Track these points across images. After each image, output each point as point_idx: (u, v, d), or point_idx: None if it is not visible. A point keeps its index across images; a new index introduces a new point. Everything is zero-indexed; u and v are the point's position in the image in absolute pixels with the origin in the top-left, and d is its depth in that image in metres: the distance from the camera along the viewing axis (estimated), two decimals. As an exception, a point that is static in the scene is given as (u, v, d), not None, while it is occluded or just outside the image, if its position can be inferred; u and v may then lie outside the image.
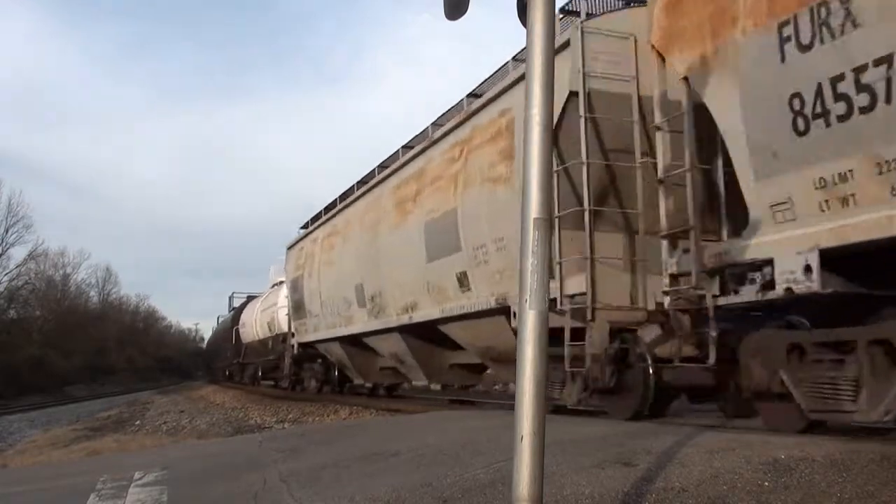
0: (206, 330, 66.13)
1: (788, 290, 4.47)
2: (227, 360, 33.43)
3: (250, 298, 30.62)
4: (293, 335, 17.20)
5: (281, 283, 23.18)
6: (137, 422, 16.51)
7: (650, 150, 6.09)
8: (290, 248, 17.36)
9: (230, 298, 38.68)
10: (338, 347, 14.24)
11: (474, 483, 3.58)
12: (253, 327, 25.82)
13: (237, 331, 28.85)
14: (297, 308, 16.27)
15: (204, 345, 63.59)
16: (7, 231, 43.78)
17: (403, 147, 11.17)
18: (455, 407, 11.17)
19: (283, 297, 20.07)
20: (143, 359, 66.60)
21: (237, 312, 30.65)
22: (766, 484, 3.12)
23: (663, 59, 5.51)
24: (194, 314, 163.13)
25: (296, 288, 16.31)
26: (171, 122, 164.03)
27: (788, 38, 4.30)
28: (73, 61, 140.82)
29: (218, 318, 45.12)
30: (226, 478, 4.90)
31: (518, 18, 2.31)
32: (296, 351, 17.21)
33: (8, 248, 43.93)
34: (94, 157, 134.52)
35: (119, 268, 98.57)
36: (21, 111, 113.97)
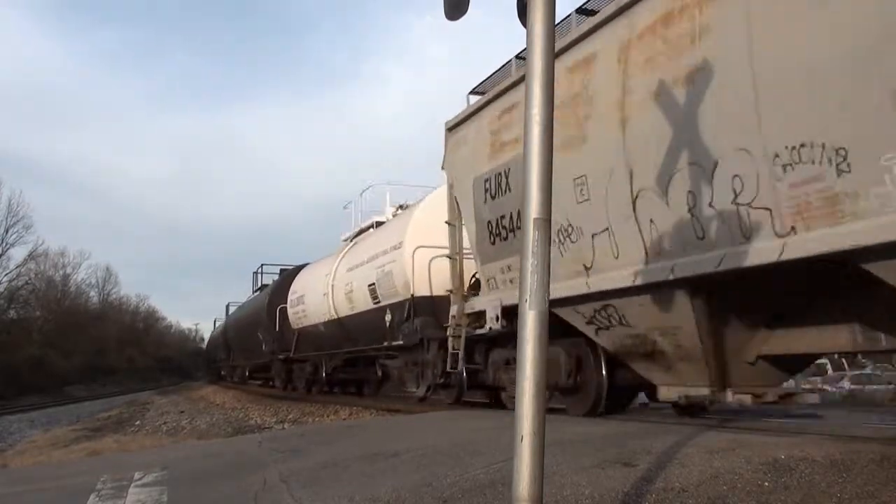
0: (207, 330, 65.44)
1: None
2: (256, 355, 23.86)
3: (283, 272, 22.64)
4: (468, 295, 8.77)
5: (378, 224, 15.77)
6: (137, 422, 16.49)
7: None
8: (454, 126, 8.68)
9: (256, 274, 29.31)
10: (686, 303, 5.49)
11: (474, 483, 3.58)
12: (326, 300, 15.51)
13: (282, 312, 19.37)
14: (497, 230, 7.72)
15: (205, 344, 62.54)
16: (7, 231, 43.92)
17: None
18: (455, 407, 11.17)
19: (413, 233, 11.30)
20: (143, 359, 66.65)
21: (280, 286, 20.87)
22: (766, 484, 3.12)
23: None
24: (194, 314, 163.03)
25: (495, 191, 7.76)
26: (172, 122, 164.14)
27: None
28: (74, 61, 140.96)
29: (228, 307, 36.62)
30: (226, 478, 4.90)
31: (518, 18, 2.31)
32: (494, 322, 7.91)
33: (8, 249, 44.09)
34: (94, 157, 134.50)
35: (119, 268, 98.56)
36: (21, 111, 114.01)
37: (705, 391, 5.73)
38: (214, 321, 45.93)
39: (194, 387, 41.27)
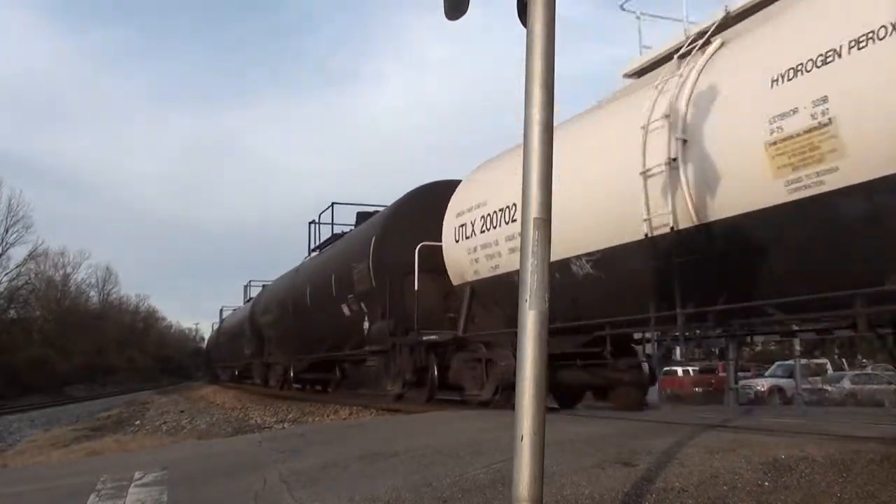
0: (207, 330, 64.76)
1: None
2: (325, 344, 16.01)
3: (364, 214, 14.91)
4: None
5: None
6: (137, 422, 16.49)
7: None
8: None
9: (313, 225, 18.29)
10: None
11: (474, 483, 3.58)
12: (651, 190, 5.96)
13: (430, 255, 10.49)
14: None
15: (205, 344, 61.69)
16: (7, 231, 44.01)
17: None
18: (455, 407, 11.15)
19: None
20: (143, 359, 66.66)
21: (411, 211, 11.76)
22: (766, 484, 3.12)
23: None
24: (194, 314, 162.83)
25: None
26: (173, 122, 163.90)
27: None
28: (74, 61, 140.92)
29: (247, 287, 30.57)
30: (226, 478, 4.90)
31: (518, 18, 2.31)
32: None
33: (8, 248, 44.18)
34: (94, 157, 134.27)
35: (119, 268, 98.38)
36: (21, 111, 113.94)
37: None
38: (221, 310, 39.89)
39: (194, 387, 41.28)
